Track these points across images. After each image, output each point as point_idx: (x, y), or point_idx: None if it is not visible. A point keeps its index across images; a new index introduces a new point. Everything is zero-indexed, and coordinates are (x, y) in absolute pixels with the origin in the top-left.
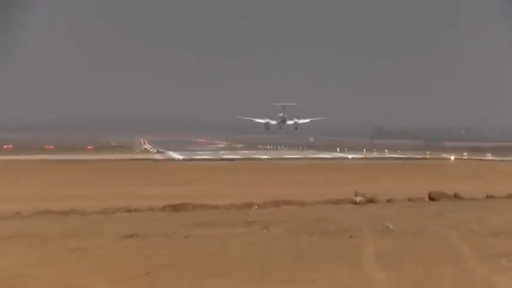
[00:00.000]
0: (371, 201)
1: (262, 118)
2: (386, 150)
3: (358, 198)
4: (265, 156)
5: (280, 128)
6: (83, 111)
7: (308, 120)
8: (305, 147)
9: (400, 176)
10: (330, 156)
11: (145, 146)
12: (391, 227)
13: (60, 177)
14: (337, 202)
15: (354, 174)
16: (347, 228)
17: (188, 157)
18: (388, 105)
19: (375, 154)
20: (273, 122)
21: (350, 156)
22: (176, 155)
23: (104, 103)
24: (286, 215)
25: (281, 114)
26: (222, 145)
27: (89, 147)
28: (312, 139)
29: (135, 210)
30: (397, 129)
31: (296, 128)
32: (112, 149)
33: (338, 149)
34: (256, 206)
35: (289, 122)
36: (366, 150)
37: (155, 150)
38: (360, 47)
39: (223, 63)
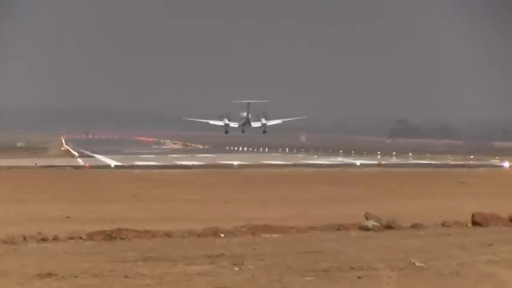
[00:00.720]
0: (389, 226)
1: (219, 119)
2: (410, 154)
3: (370, 223)
4: (237, 163)
5: (243, 131)
6: None
7: (280, 121)
8: (294, 150)
9: (430, 190)
10: (329, 163)
11: (66, 147)
12: (417, 263)
13: None
14: (339, 228)
15: (364, 188)
16: (354, 264)
17: (126, 163)
18: (415, 94)
19: (394, 159)
20: (234, 125)
21: (358, 162)
22: (109, 160)
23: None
24: (266, 246)
25: (244, 115)
26: (175, 146)
27: None
28: (303, 138)
29: (53, 238)
30: (427, 124)
31: (265, 132)
32: (18, 151)
33: (341, 151)
34: (223, 234)
35: (255, 124)
36: (381, 154)
37: (76, 153)
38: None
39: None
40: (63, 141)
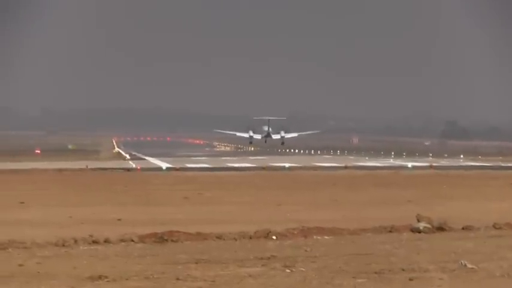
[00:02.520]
0: (440, 228)
1: (245, 132)
2: (461, 156)
3: (422, 225)
4: (288, 165)
5: (265, 142)
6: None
7: (296, 135)
8: (345, 152)
9: (481, 192)
10: (381, 165)
11: (118, 149)
12: (469, 265)
13: (1, 193)
14: (391, 230)
15: (416, 190)
16: (405, 266)
17: (177, 165)
18: (465, 94)
19: (445, 161)
20: (257, 137)
21: (410, 164)
22: (160, 162)
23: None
24: (318, 248)
25: (265, 128)
26: (227, 148)
27: (37, 151)
28: (355, 140)
29: (105, 241)
30: (478, 126)
31: (283, 143)
32: (70, 153)
33: (393, 153)
34: (275, 236)
35: (275, 137)
36: (433, 156)
37: (128, 156)
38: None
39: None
40: (114, 143)
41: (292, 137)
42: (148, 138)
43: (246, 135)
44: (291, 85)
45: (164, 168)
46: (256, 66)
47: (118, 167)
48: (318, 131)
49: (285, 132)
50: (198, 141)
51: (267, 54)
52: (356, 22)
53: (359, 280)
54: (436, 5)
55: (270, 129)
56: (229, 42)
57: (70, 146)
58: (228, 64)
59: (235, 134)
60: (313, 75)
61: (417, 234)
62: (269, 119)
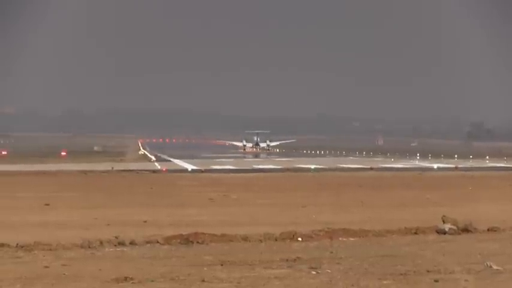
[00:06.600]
0: (465, 230)
1: (240, 141)
2: (487, 157)
3: (447, 226)
4: (314, 166)
5: (255, 149)
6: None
7: (278, 143)
8: (371, 153)
9: (507, 194)
10: (406, 166)
11: (143, 151)
12: (494, 266)
13: (26, 195)
14: (416, 232)
15: (441, 191)
16: (431, 268)
17: (203, 167)
18: (491, 96)
19: (471, 162)
20: (249, 145)
21: (436, 165)
22: (185, 164)
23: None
24: (343, 249)
25: (255, 139)
26: (253, 149)
27: (63, 152)
28: (380, 141)
29: (130, 243)
30: (503, 128)
31: (268, 150)
32: (95, 154)
33: (418, 155)
34: (301, 238)
35: (262, 145)
36: (458, 157)
37: (153, 158)
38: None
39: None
40: (140, 145)
41: (275, 145)
42: (174, 140)
43: (240, 144)
44: (318, 87)
45: (189, 169)
46: (282, 69)
47: (143, 168)
48: (294, 140)
49: (270, 141)
50: (223, 143)
51: (291, 59)
52: (381, 23)
53: (385, 282)
54: (461, 6)
55: (259, 139)
56: (259, 47)
57: (95, 148)
58: (255, 68)
59: (232, 143)
60: (339, 78)
61: (442, 235)
62: (257, 132)
